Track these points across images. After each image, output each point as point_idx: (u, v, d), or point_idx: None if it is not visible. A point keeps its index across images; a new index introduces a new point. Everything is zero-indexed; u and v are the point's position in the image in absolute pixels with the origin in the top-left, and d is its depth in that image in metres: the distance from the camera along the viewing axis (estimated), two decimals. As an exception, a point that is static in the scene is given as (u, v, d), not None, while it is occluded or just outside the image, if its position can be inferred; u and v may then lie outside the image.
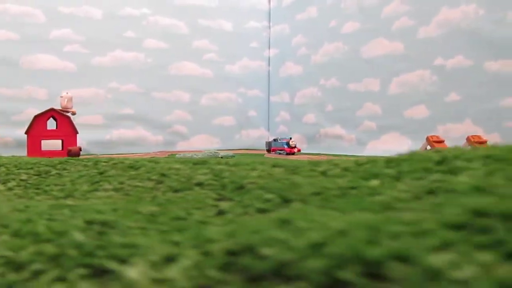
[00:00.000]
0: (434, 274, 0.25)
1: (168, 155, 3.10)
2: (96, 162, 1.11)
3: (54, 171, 1.05)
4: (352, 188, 0.69)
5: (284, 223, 0.40)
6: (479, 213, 0.32)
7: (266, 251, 0.31)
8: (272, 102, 4.47)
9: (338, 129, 3.40)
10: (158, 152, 3.59)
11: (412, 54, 2.81)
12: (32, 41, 3.61)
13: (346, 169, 0.85)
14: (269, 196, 0.71)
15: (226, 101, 4.34)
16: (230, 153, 3.12)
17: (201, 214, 0.62)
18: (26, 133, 1.86)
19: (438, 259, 0.26)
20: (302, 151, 3.42)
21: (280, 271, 0.28)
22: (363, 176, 0.77)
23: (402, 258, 0.27)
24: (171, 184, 0.88)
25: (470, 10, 2.42)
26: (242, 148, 4.28)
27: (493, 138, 2.18)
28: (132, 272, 0.32)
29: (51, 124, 1.98)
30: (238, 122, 4.40)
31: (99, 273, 0.33)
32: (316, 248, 0.30)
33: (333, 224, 0.36)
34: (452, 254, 0.27)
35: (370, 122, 3.11)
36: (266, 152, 3.40)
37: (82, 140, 3.66)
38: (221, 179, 0.87)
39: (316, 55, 3.71)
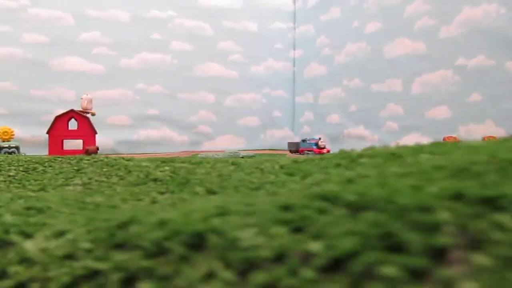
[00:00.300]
0: (235, 244, 0.33)
1: (192, 155, 3.16)
2: (80, 159, 1.19)
3: (40, 168, 1.13)
4: (270, 182, 0.81)
5: (166, 207, 0.55)
6: (324, 197, 0.40)
7: (132, 228, 0.39)
8: (297, 102, 4.48)
9: (361, 130, 3.40)
10: (182, 152, 3.65)
11: (434, 54, 2.79)
12: (61, 44, 3.73)
13: (281, 167, 0.99)
14: (199, 189, 0.81)
15: (250, 101, 4.38)
16: (251, 153, 3.18)
17: (134, 204, 0.71)
18: (47, 133, 1.94)
19: (242, 233, 0.34)
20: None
21: (133, 242, 0.37)
22: (287, 172, 0.91)
23: (217, 232, 0.35)
24: (131, 179, 0.98)
25: (491, 9, 2.38)
26: (266, 148, 4.31)
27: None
28: (28, 243, 0.40)
29: (72, 125, 2.05)
30: (263, 123, 4.43)
31: (4, 245, 0.41)
32: (162, 224, 0.38)
33: (193, 207, 0.46)
34: (254, 229, 0.34)
35: (392, 122, 3.10)
36: (288, 152, 3.42)
37: (110, 139, 3.78)
38: (177, 175, 0.98)
39: (339, 56, 3.71)
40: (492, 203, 0.31)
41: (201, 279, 0.31)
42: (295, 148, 3.24)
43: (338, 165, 0.87)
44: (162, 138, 3.98)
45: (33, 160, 1.19)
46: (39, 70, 3.68)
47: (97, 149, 1.78)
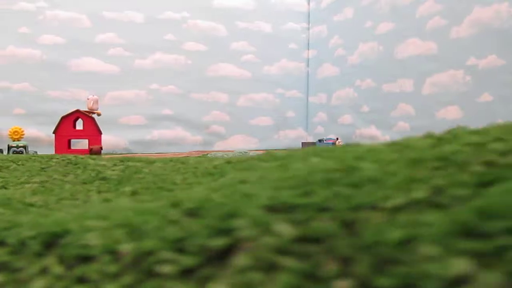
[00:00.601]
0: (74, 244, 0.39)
1: (202, 154, 3.20)
2: (50, 158, 1.23)
3: (13, 166, 1.17)
4: (188, 183, 0.89)
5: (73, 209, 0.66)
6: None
7: (15, 228, 0.45)
8: (311, 103, 4.49)
9: (373, 130, 3.40)
10: (193, 151, 3.69)
11: (445, 54, 2.78)
12: (78, 45, 3.81)
13: (215, 167, 1.05)
14: (127, 189, 0.87)
15: (263, 102, 4.40)
16: (260, 152, 3.20)
17: (66, 204, 0.77)
18: (54, 132, 1.99)
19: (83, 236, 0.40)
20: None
21: (5, 240, 0.43)
22: (209, 172, 0.99)
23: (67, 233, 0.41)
24: (83, 177, 1.03)
25: (502, 9, 2.37)
26: (279, 148, 4.32)
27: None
28: None
29: (79, 125, 2.10)
30: (276, 123, 4.45)
31: None
32: (34, 225, 0.44)
33: (81, 210, 0.56)
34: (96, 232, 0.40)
35: (404, 123, 3.10)
36: None
37: (124, 139, 3.84)
38: (123, 174, 1.02)
39: (352, 56, 3.72)
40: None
41: (37, 273, 0.37)
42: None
43: (240, 169, 0.92)
44: (175, 138, 4.03)
45: (10, 159, 1.23)
46: (56, 71, 3.76)
47: (101, 148, 1.81)
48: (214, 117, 4.20)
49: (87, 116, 1.90)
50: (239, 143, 4.23)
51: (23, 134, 2.17)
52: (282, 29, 4.49)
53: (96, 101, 2.00)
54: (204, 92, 4.16)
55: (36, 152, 3.24)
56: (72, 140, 2.14)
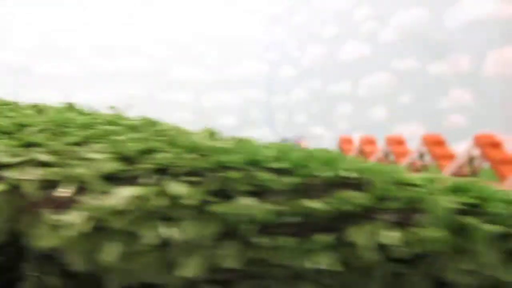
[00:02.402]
0: None
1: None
2: None
3: None
4: None
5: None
6: None
7: None
8: (273, 103, 4.67)
9: (319, 130, 3.59)
10: None
11: (376, 56, 2.98)
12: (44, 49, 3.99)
13: None
14: None
15: (227, 102, 4.60)
16: None
17: None
18: None
19: None
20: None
21: None
22: None
23: None
24: None
25: (419, 13, 2.54)
26: (243, 147, 4.49)
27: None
28: None
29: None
30: (239, 122, 4.65)
31: None
32: None
33: None
34: None
35: (343, 122, 3.30)
36: None
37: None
38: None
39: (304, 58, 3.92)
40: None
41: None
42: None
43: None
44: (140, 138, 4.20)
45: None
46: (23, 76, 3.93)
47: None
48: (178, 118, 4.37)
49: None
50: (203, 142, 4.41)
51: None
52: (245, 32, 4.68)
53: None
54: (167, 93, 4.37)
55: None
56: None
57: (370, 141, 1.94)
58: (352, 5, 3.20)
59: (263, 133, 4.70)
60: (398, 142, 2.05)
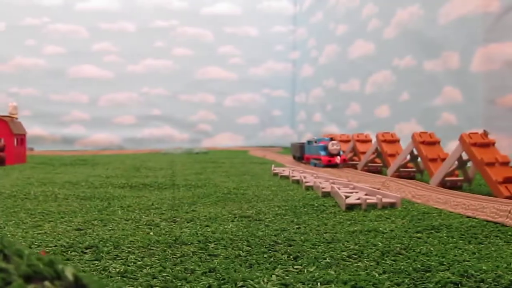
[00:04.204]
0: None
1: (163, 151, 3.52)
2: None
3: None
4: None
5: None
6: None
7: None
8: (296, 102, 4.77)
9: (333, 128, 3.65)
10: (150, 149, 4.01)
11: (380, 55, 3.03)
12: (76, 54, 4.25)
13: None
14: None
15: (250, 101, 4.74)
16: (204, 149, 3.58)
17: None
18: None
19: None
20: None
21: None
22: None
23: None
24: None
25: (414, 11, 2.58)
26: (265, 145, 4.62)
27: None
28: None
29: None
30: (262, 121, 4.77)
31: None
32: None
33: None
34: None
35: (354, 120, 3.36)
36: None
37: (118, 137, 4.26)
38: None
39: (321, 57, 4.00)
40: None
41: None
42: (299, 153, 2.26)
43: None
44: (164, 135, 4.42)
45: None
46: (57, 77, 4.22)
47: (4, 145, 2.15)
48: (201, 117, 4.56)
49: (2, 120, 2.23)
50: (226, 141, 4.58)
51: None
52: (269, 32, 4.77)
53: (15, 107, 2.34)
54: (191, 93, 4.54)
55: (32, 148, 3.70)
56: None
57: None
58: (360, 3, 3.26)
59: (285, 132, 4.82)
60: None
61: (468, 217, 0.82)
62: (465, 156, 1.17)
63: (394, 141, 1.62)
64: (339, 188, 1.05)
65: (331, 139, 1.91)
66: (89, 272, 0.50)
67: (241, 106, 4.69)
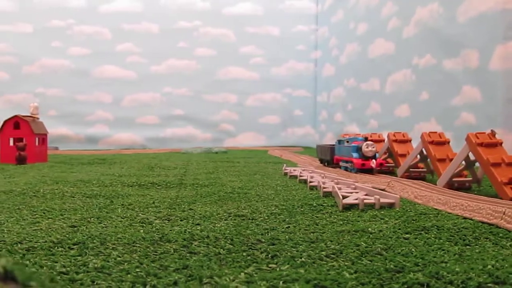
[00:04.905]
0: None
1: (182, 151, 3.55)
2: None
3: None
4: None
5: None
6: None
7: None
8: (318, 101, 4.74)
9: (354, 127, 3.63)
10: (172, 149, 4.04)
11: (399, 54, 3.00)
12: (100, 54, 4.33)
13: None
14: None
15: (271, 101, 4.74)
16: (223, 149, 3.59)
17: None
18: None
19: None
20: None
21: None
22: None
23: None
24: None
25: (434, 8, 2.53)
26: (287, 145, 4.62)
27: None
28: None
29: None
30: (283, 121, 4.77)
31: None
32: None
33: None
34: None
35: (374, 120, 3.33)
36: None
37: (141, 137, 4.32)
38: None
39: (342, 56, 3.97)
40: None
41: None
42: (328, 156, 1.98)
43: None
44: (186, 135, 4.46)
45: None
46: (82, 78, 4.30)
47: (25, 145, 2.20)
48: (224, 116, 4.59)
49: (23, 120, 2.28)
50: (248, 140, 4.60)
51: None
52: (291, 32, 4.76)
53: (36, 108, 2.39)
54: (214, 93, 4.57)
55: (57, 147, 3.79)
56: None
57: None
58: (380, 1, 3.23)
59: (306, 132, 4.81)
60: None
61: (464, 218, 0.81)
62: (472, 156, 1.15)
63: (406, 141, 1.60)
64: (339, 188, 1.05)
65: (366, 138, 1.65)
66: (70, 266, 0.51)
67: (263, 106, 4.70)
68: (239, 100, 4.65)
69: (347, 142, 1.71)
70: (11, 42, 4.19)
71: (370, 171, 1.57)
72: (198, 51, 4.55)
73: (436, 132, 1.36)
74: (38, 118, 2.39)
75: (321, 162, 2.12)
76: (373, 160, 1.55)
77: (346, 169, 1.71)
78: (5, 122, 2.27)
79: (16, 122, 2.27)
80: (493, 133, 1.13)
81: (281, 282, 0.44)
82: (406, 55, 2.86)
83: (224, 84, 4.61)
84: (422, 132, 1.39)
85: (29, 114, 2.35)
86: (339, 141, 1.83)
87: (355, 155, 1.61)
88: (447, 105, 2.43)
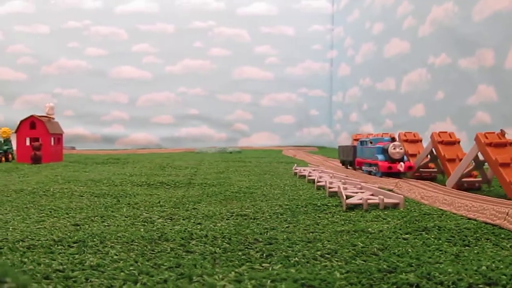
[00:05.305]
0: None
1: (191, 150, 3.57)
2: None
3: None
4: None
5: None
6: None
7: None
8: (333, 101, 4.73)
9: (369, 127, 3.61)
10: (186, 148, 4.05)
11: (415, 53, 2.98)
12: (117, 55, 4.38)
13: None
14: None
15: (286, 101, 4.74)
16: (237, 148, 3.59)
17: None
18: (15, 132, 2.38)
19: None
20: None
21: None
22: None
23: None
24: None
25: (449, 7, 2.51)
26: (301, 145, 4.60)
27: None
28: None
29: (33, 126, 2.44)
30: (298, 121, 4.76)
31: None
32: None
33: None
34: None
35: (389, 120, 3.31)
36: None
37: (156, 136, 4.36)
38: None
39: (358, 56, 3.96)
40: None
41: None
42: (350, 156, 1.82)
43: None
44: (201, 135, 4.49)
45: None
46: (99, 78, 4.36)
47: (41, 144, 2.23)
48: (238, 116, 4.60)
49: (39, 120, 2.31)
50: (262, 140, 4.60)
51: (10, 133, 2.49)
52: (306, 32, 4.76)
53: (52, 108, 2.41)
54: (228, 93, 4.58)
55: (74, 147, 3.83)
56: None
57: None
58: (395, 1, 3.21)
59: (322, 131, 4.79)
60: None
61: (469, 219, 0.80)
62: (482, 156, 1.14)
63: (416, 141, 1.58)
64: (345, 188, 1.05)
65: (393, 139, 1.52)
66: (66, 264, 0.52)
67: (277, 106, 4.70)
68: (253, 100, 4.66)
69: (371, 142, 1.56)
70: (28, 43, 4.26)
71: (397, 174, 1.42)
72: (212, 51, 4.58)
73: (446, 132, 1.35)
74: (53, 118, 2.43)
75: (342, 164, 1.93)
76: (401, 163, 1.40)
77: (369, 172, 1.55)
78: (21, 122, 2.30)
79: (32, 122, 2.30)
80: (502, 133, 1.12)
81: (269, 281, 0.45)
82: (421, 54, 2.84)
83: (239, 84, 4.63)
84: (432, 132, 1.38)
85: (44, 114, 2.38)
86: (361, 142, 1.66)
87: (380, 157, 1.46)
88: (463, 105, 2.40)
